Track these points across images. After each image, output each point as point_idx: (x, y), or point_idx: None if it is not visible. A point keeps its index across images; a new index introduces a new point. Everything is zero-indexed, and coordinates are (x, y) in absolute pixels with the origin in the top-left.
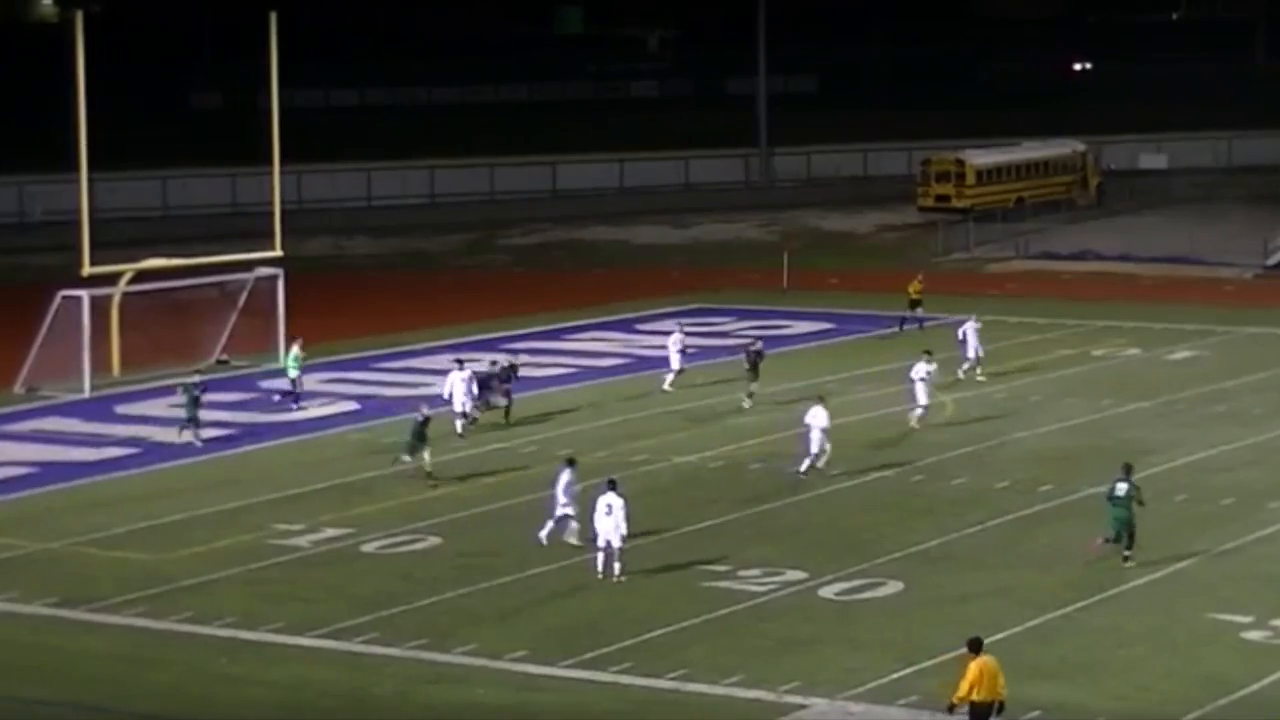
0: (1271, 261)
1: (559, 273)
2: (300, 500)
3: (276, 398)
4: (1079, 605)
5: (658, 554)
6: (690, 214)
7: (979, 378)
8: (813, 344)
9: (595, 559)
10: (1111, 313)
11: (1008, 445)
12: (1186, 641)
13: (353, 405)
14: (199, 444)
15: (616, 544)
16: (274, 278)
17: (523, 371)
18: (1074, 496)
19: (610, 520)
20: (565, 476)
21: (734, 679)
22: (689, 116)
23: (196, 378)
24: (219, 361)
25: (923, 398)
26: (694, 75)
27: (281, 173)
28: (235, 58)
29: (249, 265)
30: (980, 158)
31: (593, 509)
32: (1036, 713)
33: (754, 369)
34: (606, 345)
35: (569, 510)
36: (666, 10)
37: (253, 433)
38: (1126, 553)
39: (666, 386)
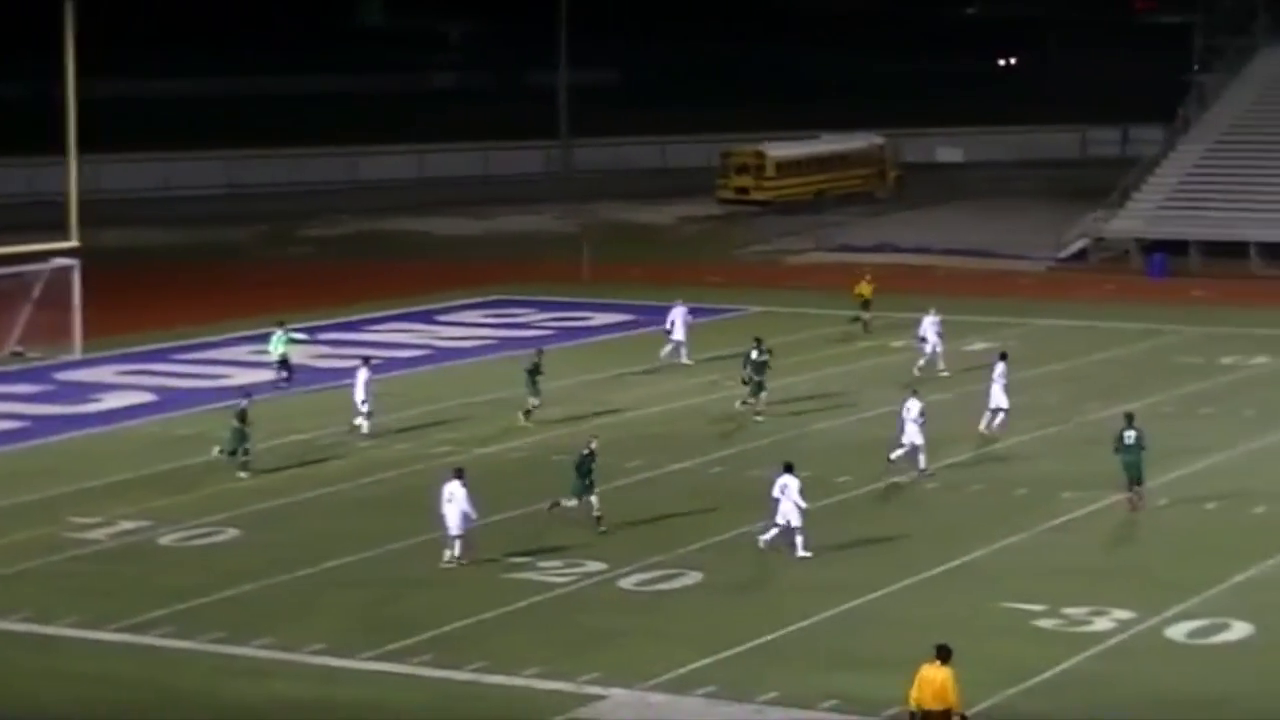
0: (1066, 254)
1: (360, 264)
2: (97, 493)
3: (283, 381)
4: (876, 595)
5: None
6: (491, 206)
7: (943, 372)
8: (614, 335)
9: (455, 548)
10: (909, 305)
11: (809, 436)
12: (981, 630)
13: (150, 397)
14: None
15: (457, 532)
16: (69, 269)
17: (321, 364)
18: (875, 486)
19: (453, 508)
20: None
21: (534, 670)
22: (490, 108)
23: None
24: (13, 354)
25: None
26: (495, 68)
27: (79, 162)
28: (35, 46)
29: (44, 256)
30: (780, 150)
31: (440, 499)
32: (832, 702)
33: (533, 379)
34: (407, 336)
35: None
36: (467, 2)
37: (46, 425)
38: (1136, 490)
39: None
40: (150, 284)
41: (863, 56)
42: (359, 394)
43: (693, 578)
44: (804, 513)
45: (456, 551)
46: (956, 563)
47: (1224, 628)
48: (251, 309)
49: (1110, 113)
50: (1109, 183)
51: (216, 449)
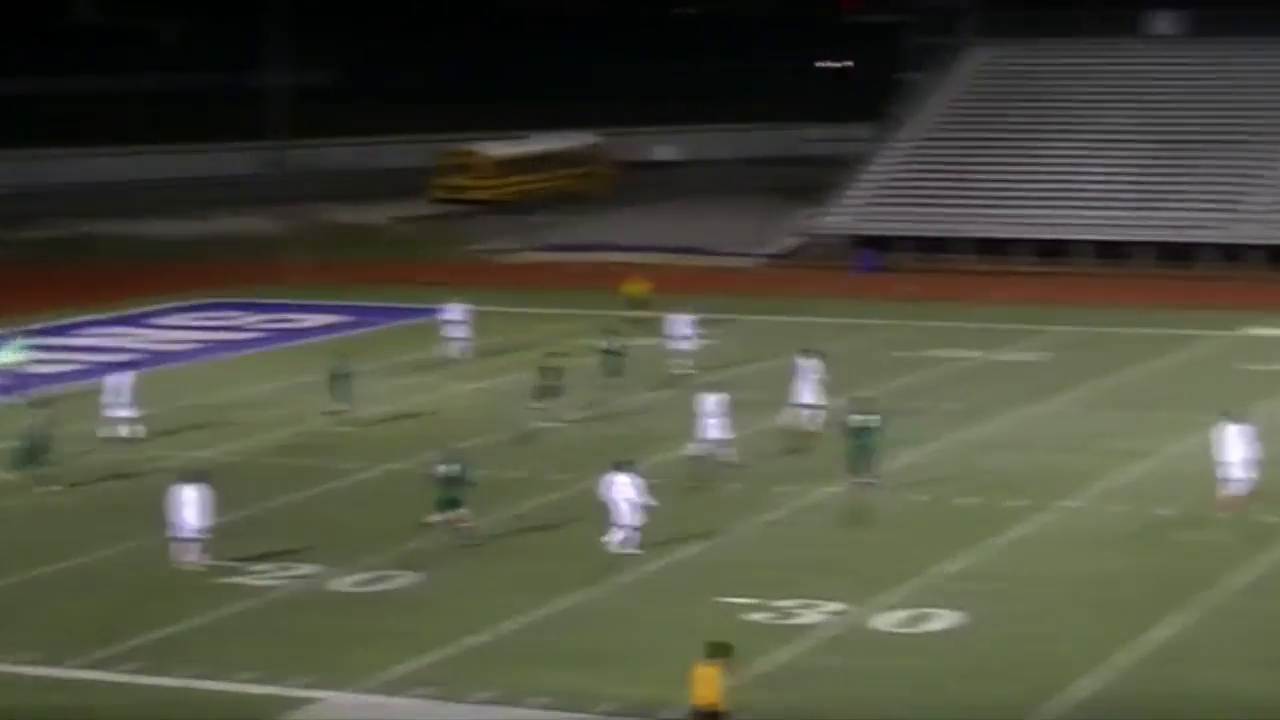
0: (779, 251)
1: (71, 268)
2: None
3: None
4: (590, 592)
5: (169, 552)
6: (206, 207)
7: (690, 369)
8: (328, 337)
9: (172, 549)
10: (623, 303)
11: (526, 436)
12: (693, 626)
13: None
14: None
15: (195, 535)
16: None
17: (31, 369)
18: (587, 484)
19: (189, 510)
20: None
21: (246, 675)
22: (205, 109)
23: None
24: None
25: (810, 397)
26: (210, 68)
27: None
28: None
29: None
30: (494, 150)
31: (170, 501)
32: (547, 699)
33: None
34: (119, 341)
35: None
36: (181, 1)
37: None
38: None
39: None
40: None
41: (578, 56)
42: (125, 399)
43: (407, 578)
44: (646, 511)
45: (195, 554)
46: (669, 559)
47: (931, 617)
48: None
49: (822, 111)
50: (821, 180)
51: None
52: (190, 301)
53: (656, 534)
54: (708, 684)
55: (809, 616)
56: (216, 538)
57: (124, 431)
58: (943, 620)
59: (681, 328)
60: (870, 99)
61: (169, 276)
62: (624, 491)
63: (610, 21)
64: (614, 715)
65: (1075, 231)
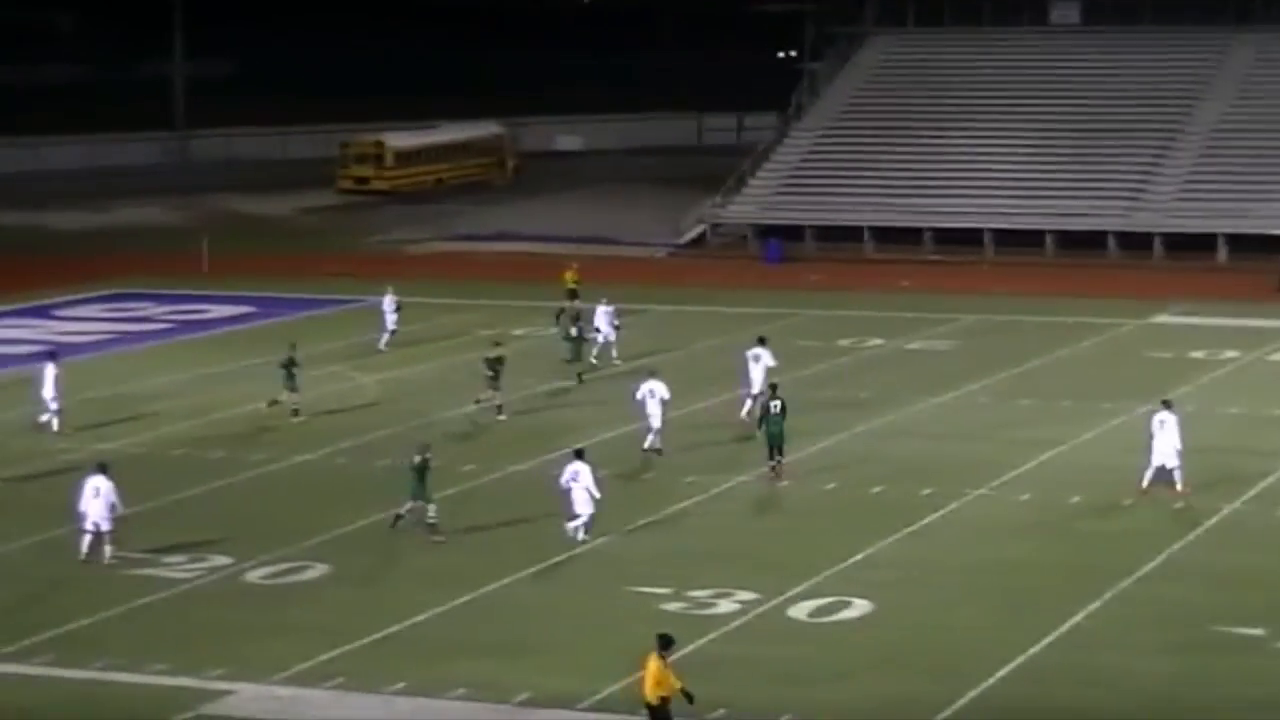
0: (684, 240)
1: None
2: None
3: None
4: (503, 583)
5: (77, 544)
6: (107, 199)
7: (615, 361)
8: (233, 328)
9: (81, 541)
10: (531, 293)
11: (434, 425)
12: (609, 616)
13: None
14: None
15: (106, 526)
16: None
17: None
18: (498, 474)
19: (99, 502)
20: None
21: (159, 667)
22: (103, 100)
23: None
24: None
25: (757, 385)
26: (107, 59)
27: None
28: None
29: None
30: (399, 140)
31: (80, 493)
32: (461, 690)
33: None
34: (24, 333)
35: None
36: None
37: None
38: (776, 461)
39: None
40: None
41: (480, 47)
42: (48, 390)
43: (319, 570)
44: (597, 502)
45: (105, 551)
46: (584, 549)
47: (844, 606)
48: None
49: (725, 100)
50: (726, 169)
51: None
52: (97, 293)
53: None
54: (651, 674)
55: (724, 606)
56: (126, 529)
57: (53, 423)
58: (855, 609)
59: (600, 319)
60: (772, 88)
61: (74, 268)
62: (585, 479)
63: (511, 11)
64: (530, 706)
65: (979, 220)
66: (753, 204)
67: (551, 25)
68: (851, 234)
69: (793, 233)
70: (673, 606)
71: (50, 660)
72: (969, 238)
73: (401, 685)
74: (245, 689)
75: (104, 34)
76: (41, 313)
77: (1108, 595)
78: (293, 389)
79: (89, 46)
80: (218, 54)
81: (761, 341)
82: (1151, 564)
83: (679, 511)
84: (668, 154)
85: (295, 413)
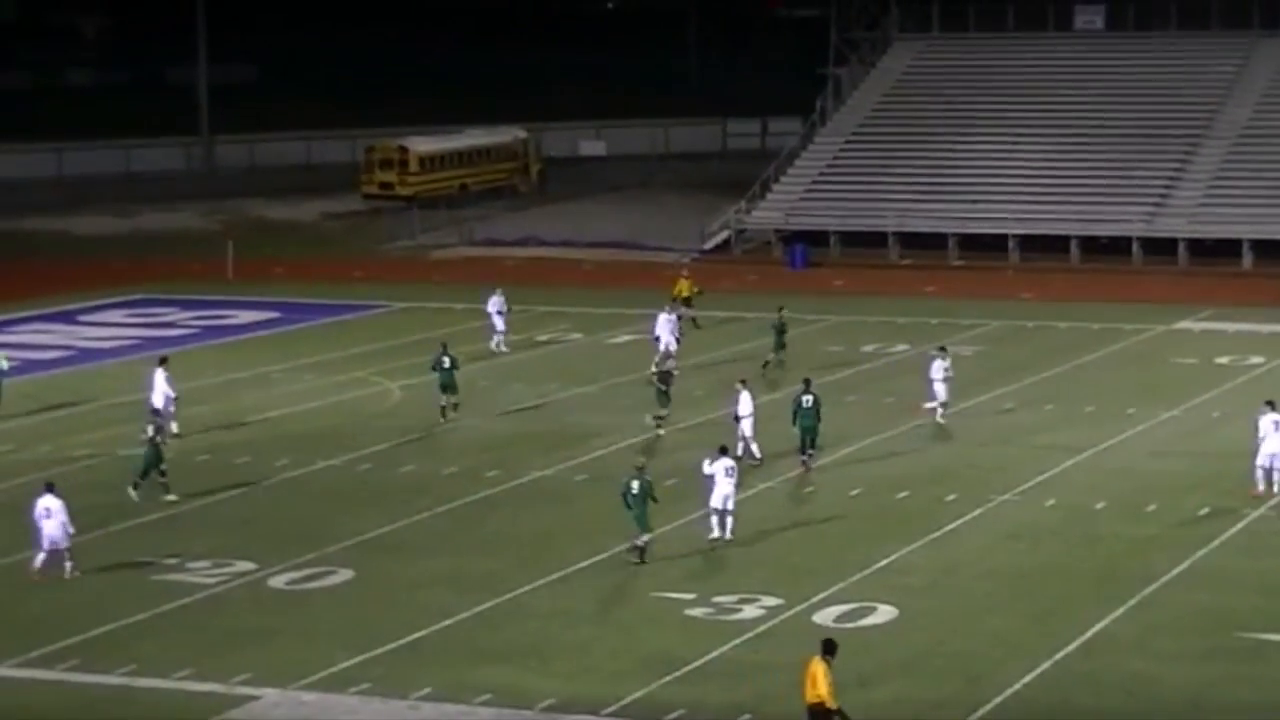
0: (709, 246)
1: None
2: None
3: None
4: (527, 589)
5: (105, 548)
6: (132, 204)
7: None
8: (259, 333)
9: (37, 559)
10: (554, 298)
11: (456, 431)
12: (632, 621)
13: None
14: None
15: (64, 544)
16: None
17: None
18: (521, 480)
19: (53, 522)
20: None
21: (185, 672)
22: (128, 105)
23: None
24: None
25: (943, 394)
26: (131, 63)
27: None
28: None
29: None
30: (423, 145)
31: (33, 513)
32: (487, 696)
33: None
34: (48, 338)
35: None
36: None
37: None
38: (807, 455)
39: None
40: None
41: (504, 50)
42: (158, 400)
43: (343, 575)
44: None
45: (67, 567)
46: (606, 554)
47: (869, 611)
48: None
49: (750, 106)
50: (750, 175)
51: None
52: (121, 298)
53: (589, 530)
54: (813, 678)
55: (749, 611)
56: (152, 533)
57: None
58: (880, 615)
59: (664, 326)
60: (796, 93)
61: (98, 273)
62: (726, 471)
63: (535, 17)
64: (554, 711)
65: (1004, 226)
66: (777, 210)
67: (575, 30)
68: (876, 240)
69: (817, 238)
70: (697, 612)
71: (75, 666)
72: (994, 243)
73: (426, 690)
74: (270, 694)
75: (128, 39)
76: (66, 318)
77: (1132, 601)
78: (451, 388)
79: (113, 52)
80: (242, 59)
81: (944, 351)
82: (1176, 570)
83: (705, 517)
84: (692, 159)
85: (444, 411)
